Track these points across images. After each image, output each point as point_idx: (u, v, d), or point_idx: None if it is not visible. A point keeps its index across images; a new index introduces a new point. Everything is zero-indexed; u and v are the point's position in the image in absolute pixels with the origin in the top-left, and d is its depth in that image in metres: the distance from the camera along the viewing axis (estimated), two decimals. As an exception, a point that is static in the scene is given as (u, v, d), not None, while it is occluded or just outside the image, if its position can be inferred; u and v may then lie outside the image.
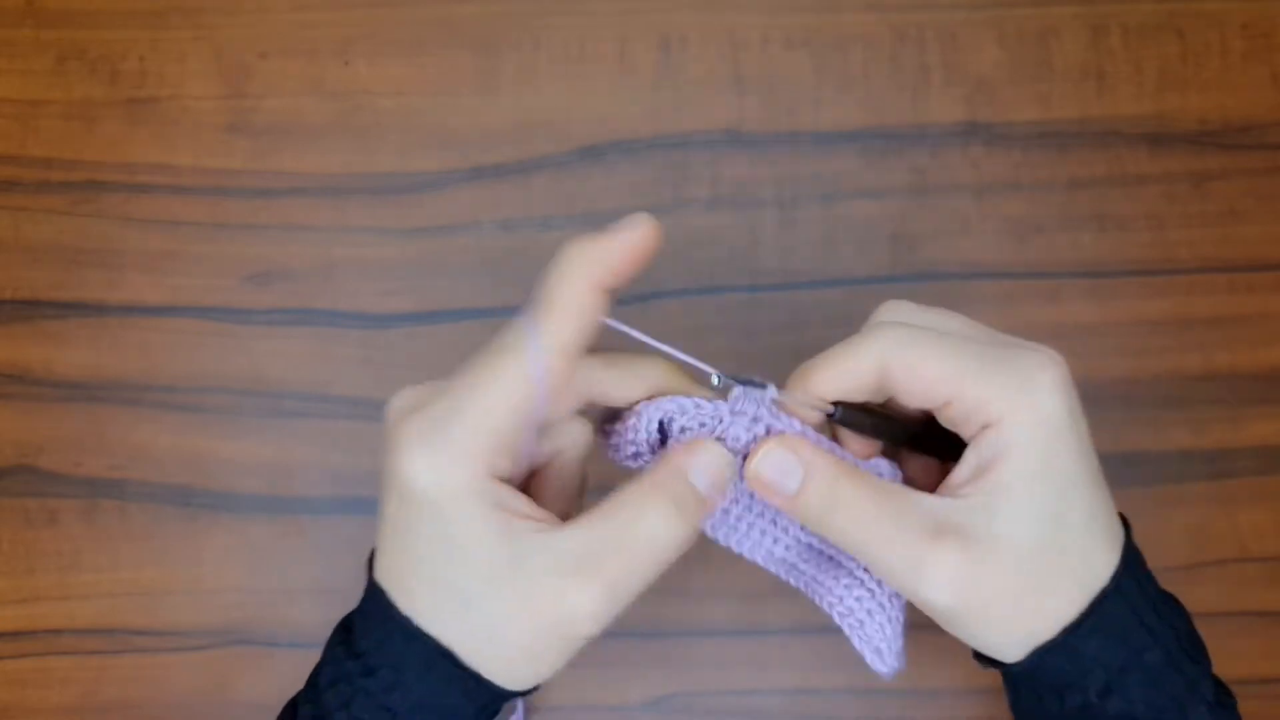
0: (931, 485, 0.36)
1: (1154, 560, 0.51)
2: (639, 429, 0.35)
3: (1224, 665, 0.48)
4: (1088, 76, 0.53)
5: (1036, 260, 0.52)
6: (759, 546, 0.37)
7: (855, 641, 0.37)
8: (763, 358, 0.52)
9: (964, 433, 0.34)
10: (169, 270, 0.53)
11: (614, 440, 0.36)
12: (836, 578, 0.37)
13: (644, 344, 0.35)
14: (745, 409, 0.34)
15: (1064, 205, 0.53)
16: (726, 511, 0.36)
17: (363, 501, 0.52)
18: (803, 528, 0.37)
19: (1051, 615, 0.33)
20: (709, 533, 0.37)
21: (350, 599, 0.51)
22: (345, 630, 0.36)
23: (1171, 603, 0.36)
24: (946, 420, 0.34)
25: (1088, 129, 0.53)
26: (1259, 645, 0.51)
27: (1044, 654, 0.33)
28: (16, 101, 0.54)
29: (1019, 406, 0.32)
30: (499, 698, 0.34)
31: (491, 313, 0.53)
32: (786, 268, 0.53)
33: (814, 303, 0.53)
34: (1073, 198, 0.53)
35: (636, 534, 0.32)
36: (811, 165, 0.53)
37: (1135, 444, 0.51)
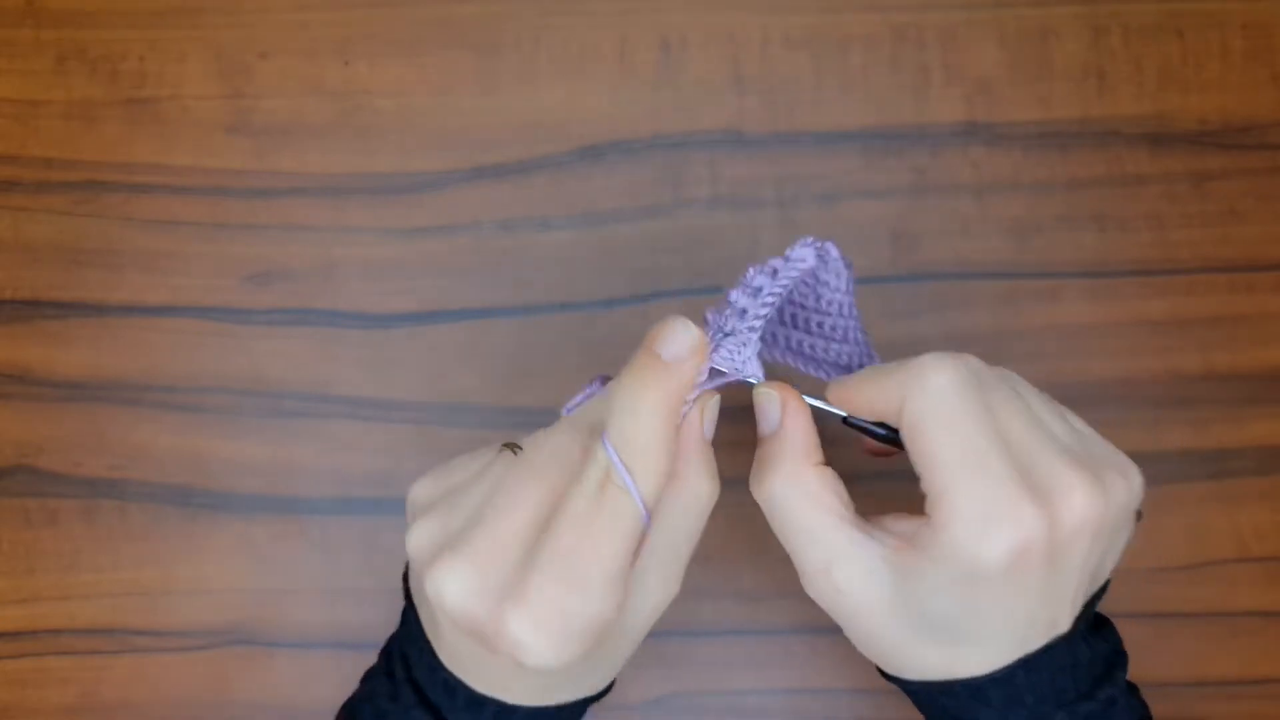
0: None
1: (1154, 560, 0.51)
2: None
3: (1224, 665, 0.48)
4: (1088, 76, 0.53)
5: (1036, 260, 0.52)
6: (754, 356, 0.37)
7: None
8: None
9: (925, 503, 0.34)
10: (169, 270, 0.53)
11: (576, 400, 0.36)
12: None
13: None
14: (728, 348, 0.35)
15: (1064, 205, 0.53)
16: (719, 345, 0.36)
17: (363, 501, 0.52)
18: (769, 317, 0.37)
19: (925, 665, 0.34)
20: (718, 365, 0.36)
21: (350, 598, 0.52)
22: (416, 690, 0.36)
23: (1098, 692, 0.35)
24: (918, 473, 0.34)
25: (1088, 129, 0.53)
26: (1259, 645, 0.51)
27: (929, 686, 0.35)
28: (16, 101, 0.54)
29: (957, 537, 0.31)
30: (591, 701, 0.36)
31: (491, 313, 0.53)
32: (786, 268, 0.53)
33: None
34: (1073, 198, 0.53)
35: (685, 507, 0.33)
36: (811, 165, 0.53)
37: (1135, 444, 0.51)
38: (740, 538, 0.51)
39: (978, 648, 0.33)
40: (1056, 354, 0.52)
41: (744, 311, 0.36)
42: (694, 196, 0.53)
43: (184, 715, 0.52)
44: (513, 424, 0.52)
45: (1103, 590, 0.36)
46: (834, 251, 0.36)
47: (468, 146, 0.53)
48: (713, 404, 0.35)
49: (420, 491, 0.35)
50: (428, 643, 0.35)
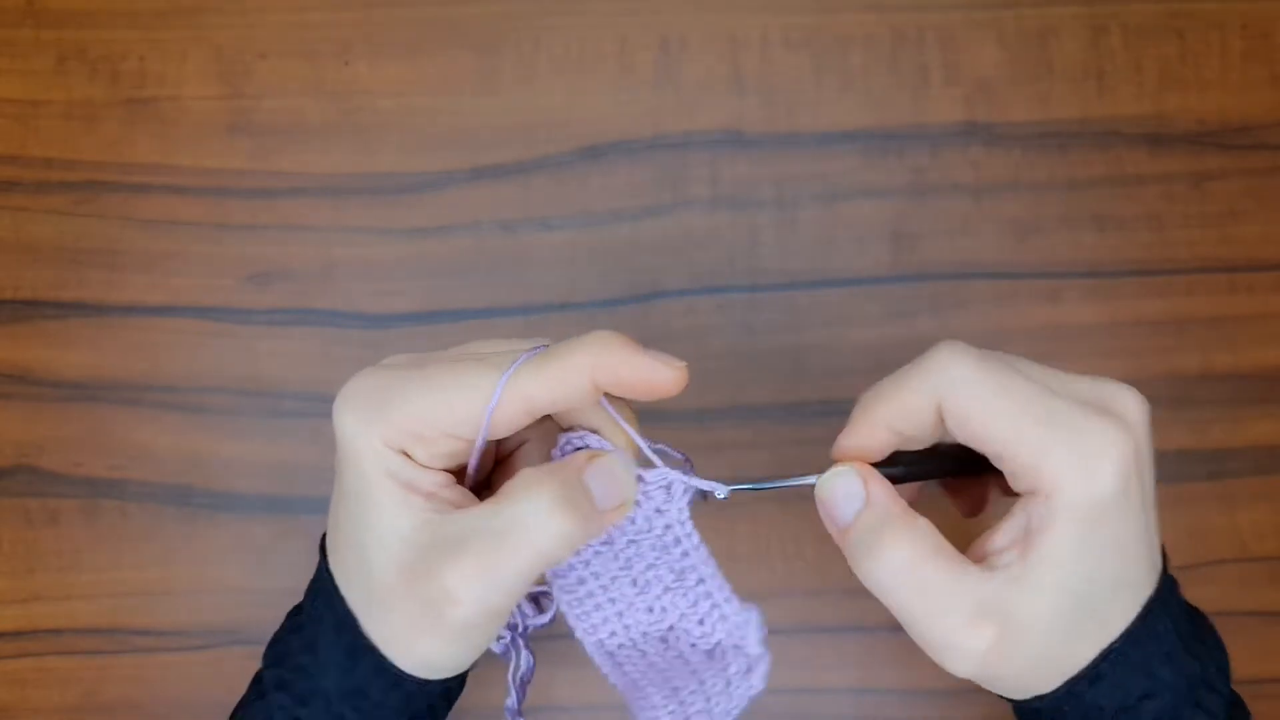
0: (971, 501, 0.36)
1: (1154, 560, 0.51)
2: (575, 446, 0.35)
3: (1224, 665, 0.48)
4: (1088, 76, 0.53)
5: (1036, 260, 0.52)
6: (593, 630, 0.37)
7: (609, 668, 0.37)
8: (763, 358, 0.52)
9: (1012, 484, 0.33)
10: (169, 270, 0.53)
11: (569, 449, 0.36)
12: (659, 693, 0.36)
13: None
14: (654, 495, 0.35)
15: (1064, 205, 0.53)
16: (582, 581, 0.36)
17: (363, 501, 0.52)
18: (643, 632, 0.36)
19: (1062, 672, 0.33)
20: (554, 593, 0.37)
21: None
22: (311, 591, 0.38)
23: (1200, 638, 0.35)
24: (995, 462, 0.34)
25: (1087, 129, 0.53)
26: (1259, 645, 0.51)
27: (1074, 684, 0.34)
28: (16, 101, 0.54)
29: (1073, 484, 0.31)
30: (400, 681, 0.34)
31: (491, 313, 0.53)
32: (786, 268, 0.53)
33: (814, 303, 0.53)
34: (1072, 198, 0.53)
35: (515, 520, 0.32)
36: (811, 165, 0.53)
37: (1135, 444, 0.51)
38: (741, 538, 0.51)
39: (1115, 606, 0.33)
40: (1056, 354, 0.52)
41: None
42: (694, 196, 0.53)
43: (184, 715, 0.52)
44: (513, 424, 0.52)
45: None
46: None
47: (468, 146, 0.53)
48: (617, 463, 0.34)
49: None
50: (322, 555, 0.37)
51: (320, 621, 0.35)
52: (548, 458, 0.36)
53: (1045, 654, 0.33)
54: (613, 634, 0.37)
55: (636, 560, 0.36)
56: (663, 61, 0.54)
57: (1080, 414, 0.32)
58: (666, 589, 0.36)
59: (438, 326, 0.53)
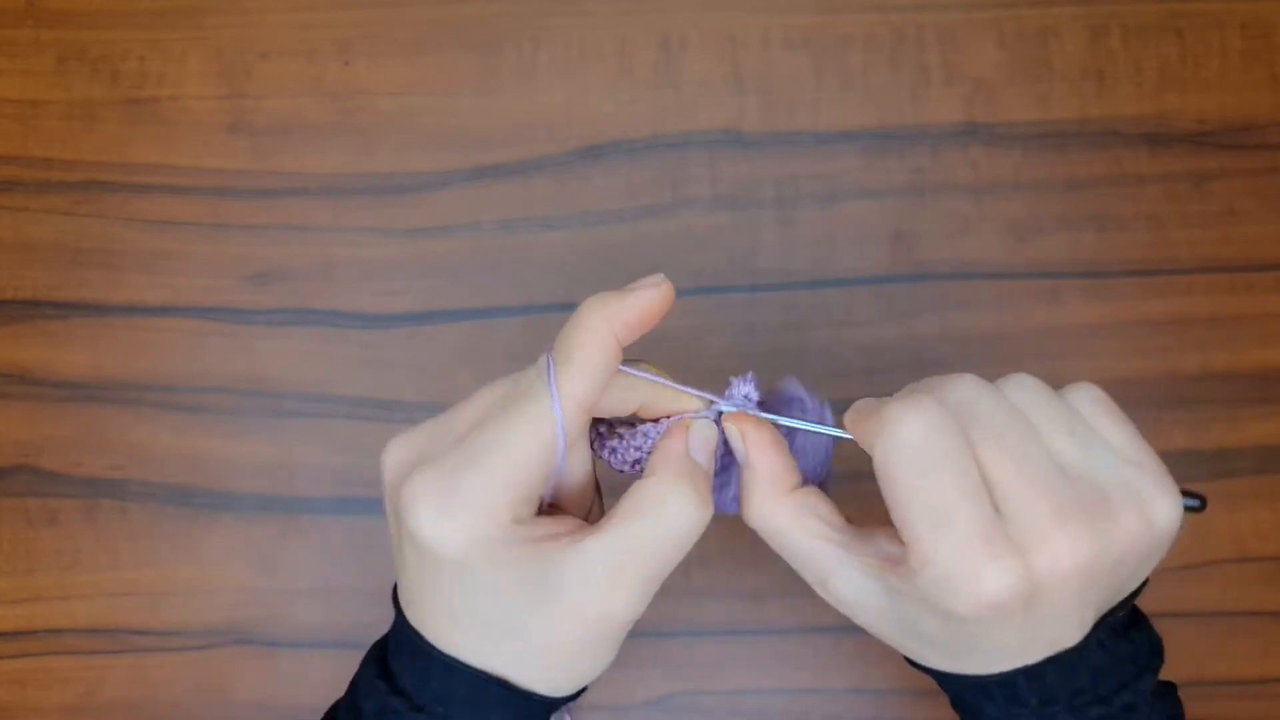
0: None
1: (1154, 560, 0.51)
2: (649, 438, 0.36)
3: (1224, 665, 0.48)
4: (1087, 76, 0.53)
5: (1036, 260, 0.52)
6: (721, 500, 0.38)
7: None
8: (763, 358, 0.52)
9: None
10: (169, 270, 0.53)
11: (612, 445, 0.36)
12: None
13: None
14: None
15: (1063, 205, 0.53)
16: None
17: (363, 501, 0.52)
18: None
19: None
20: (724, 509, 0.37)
21: (350, 598, 0.52)
22: (381, 664, 0.36)
23: (1097, 692, 0.34)
24: None
25: (1087, 129, 0.53)
26: (1259, 645, 0.51)
27: (960, 681, 0.34)
28: (17, 101, 0.54)
29: (928, 586, 0.30)
30: (550, 707, 0.35)
31: (491, 313, 0.53)
32: (786, 268, 0.53)
33: (814, 303, 0.53)
34: (1072, 198, 0.53)
35: (664, 527, 0.33)
36: (811, 165, 0.53)
37: (1135, 444, 0.51)
38: (741, 538, 0.51)
39: (976, 660, 0.33)
40: (1056, 354, 0.52)
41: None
42: (694, 196, 0.53)
43: (184, 715, 0.52)
44: (513, 424, 0.52)
45: (1134, 595, 0.35)
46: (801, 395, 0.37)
47: (468, 146, 0.53)
48: (703, 428, 0.35)
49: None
50: (400, 611, 0.36)
51: (450, 700, 0.34)
52: (587, 456, 0.36)
53: (900, 643, 0.34)
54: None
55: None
56: (663, 61, 0.54)
57: (976, 542, 0.29)
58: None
59: (438, 326, 0.53)
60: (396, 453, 0.34)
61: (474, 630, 0.33)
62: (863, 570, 0.33)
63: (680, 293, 0.53)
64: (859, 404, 0.35)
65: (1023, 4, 0.54)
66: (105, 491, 0.52)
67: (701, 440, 0.35)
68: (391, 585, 0.38)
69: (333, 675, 0.51)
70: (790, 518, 0.34)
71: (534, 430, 0.32)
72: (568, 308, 0.52)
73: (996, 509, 0.30)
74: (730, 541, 0.51)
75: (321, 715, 0.38)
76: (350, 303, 0.53)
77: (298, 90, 0.54)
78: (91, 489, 0.52)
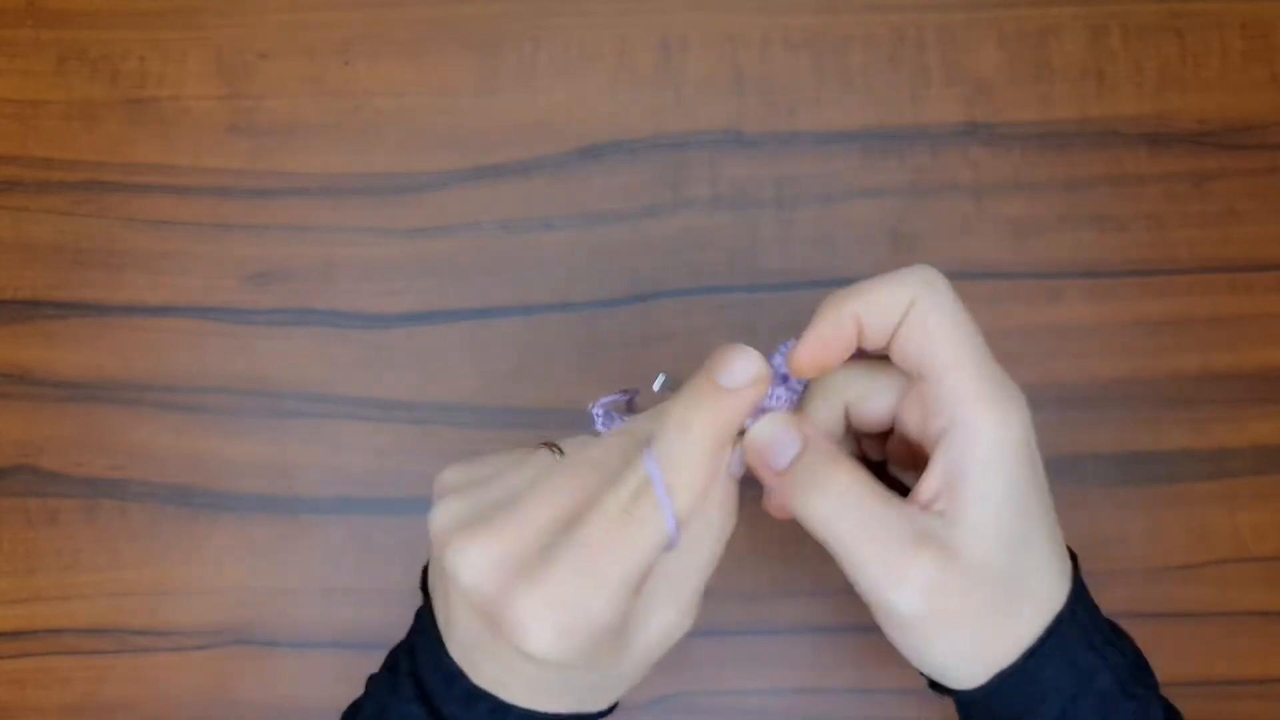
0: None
1: (1154, 560, 0.51)
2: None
3: (1224, 665, 0.48)
4: (1088, 76, 0.53)
5: (1036, 260, 0.52)
6: None
7: None
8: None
9: (928, 423, 0.34)
10: (169, 270, 0.53)
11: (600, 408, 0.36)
12: None
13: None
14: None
15: (1064, 205, 0.53)
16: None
17: (363, 502, 0.52)
18: None
19: (1010, 638, 0.33)
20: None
21: (350, 598, 0.52)
22: (417, 683, 0.35)
23: (1118, 630, 0.36)
24: (916, 400, 0.34)
25: (1087, 129, 0.53)
26: (1259, 645, 0.51)
27: (1003, 679, 0.33)
28: (17, 101, 0.54)
29: (995, 422, 0.32)
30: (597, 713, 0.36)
31: (491, 313, 0.53)
32: (786, 268, 0.53)
33: (814, 303, 0.52)
34: (1072, 198, 0.53)
35: (706, 548, 0.34)
36: (811, 165, 0.53)
37: (1135, 444, 0.51)
38: (741, 538, 0.51)
39: (1042, 575, 0.33)
40: (1056, 354, 0.52)
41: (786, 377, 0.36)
42: (694, 196, 0.53)
43: (184, 715, 0.52)
44: (513, 424, 0.52)
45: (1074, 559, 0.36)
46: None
47: (468, 146, 0.54)
48: (741, 454, 0.35)
49: (451, 474, 0.35)
50: (437, 633, 0.35)
51: None
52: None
53: (983, 606, 0.33)
54: None
55: None
56: (663, 61, 0.54)
57: (1005, 375, 0.33)
58: None
59: (438, 326, 0.53)
60: (449, 515, 0.33)
61: (532, 689, 0.34)
62: (941, 520, 0.33)
63: (680, 293, 0.53)
64: (839, 291, 0.35)
65: (1023, 4, 0.54)
66: (105, 491, 0.52)
67: (741, 457, 0.35)
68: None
69: (333, 675, 0.51)
70: (871, 481, 0.34)
71: (645, 546, 0.32)
72: (568, 308, 0.53)
73: None
74: (730, 541, 0.51)
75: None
76: (350, 303, 0.53)
77: (298, 90, 0.54)
78: (91, 489, 0.52)
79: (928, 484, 0.33)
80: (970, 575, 0.32)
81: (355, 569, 0.52)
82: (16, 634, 0.52)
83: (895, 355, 0.34)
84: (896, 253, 0.53)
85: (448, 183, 0.53)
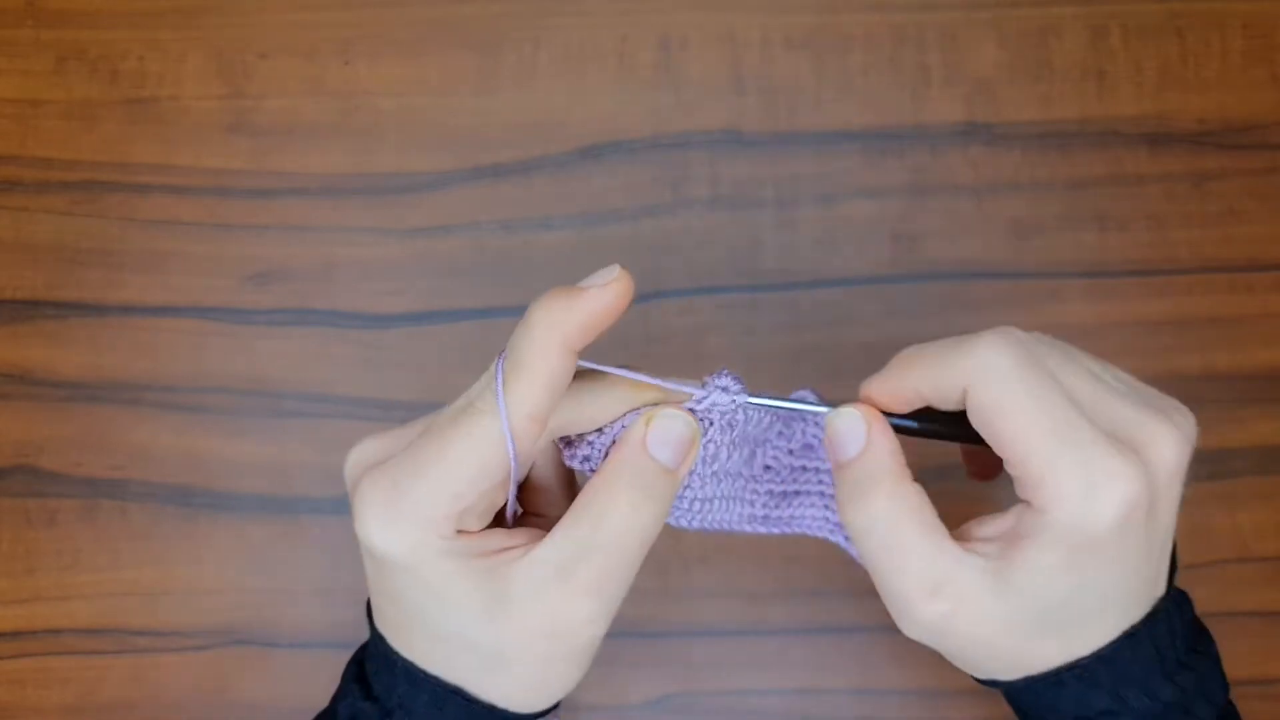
0: (982, 467, 0.37)
1: (1154, 560, 0.51)
2: (612, 436, 0.34)
3: (1225, 665, 0.48)
4: (1088, 76, 0.53)
5: (1036, 260, 0.52)
6: (732, 515, 0.37)
7: (845, 544, 0.36)
8: (763, 358, 0.52)
9: (1016, 487, 0.33)
10: (169, 270, 0.53)
11: (583, 454, 0.35)
12: (810, 504, 0.37)
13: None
14: (713, 407, 0.34)
15: (1064, 205, 0.53)
16: (680, 497, 0.35)
17: (363, 501, 0.52)
18: (768, 481, 0.37)
19: (1019, 668, 0.33)
20: (671, 522, 0.36)
21: (350, 598, 0.51)
22: (359, 666, 0.36)
23: (1190, 665, 0.34)
24: (1004, 464, 0.33)
25: (1088, 129, 0.53)
26: (1259, 645, 0.51)
27: (1034, 681, 0.34)
28: (16, 101, 0.54)
29: (1068, 512, 0.31)
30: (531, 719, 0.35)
31: (491, 313, 0.53)
32: (786, 268, 0.53)
33: (814, 303, 0.53)
34: (1073, 198, 0.53)
35: (608, 530, 0.32)
36: (811, 165, 0.53)
37: (1135, 444, 0.51)
38: (741, 538, 0.51)
39: (1091, 626, 0.33)
40: (1056, 354, 0.52)
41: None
42: (694, 196, 0.53)
43: (184, 715, 0.52)
44: (513, 424, 0.52)
45: (1175, 565, 0.36)
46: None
47: (468, 146, 0.53)
48: (668, 420, 0.33)
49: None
50: (368, 614, 0.36)
51: (413, 710, 0.34)
52: (556, 460, 0.36)
53: (994, 648, 0.33)
54: (750, 502, 0.37)
55: (715, 460, 0.36)
56: (663, 61, 0.54)
57: (1100, 444, 0.31)
58: (749, 459, 0.36)
59: (438, 326, 0.53)
60: (358, 454, 0.34)
61: (428, 638, 0.33)
62: (980, 565, 0.32)
63: (680, 293, 0.53)
64: (907, 354, 0.34)
65: (1023, 4, 0.54)
66: (105, 491, 0.52)
67: (665, 434, 0.33)
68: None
69: (332, 675, 0.51)
70: (918, 510, 0.33)
71: (475, 443, 0.31)
72: (568, 308, 0.52)
73: None
74: (730, 541, 0.51)
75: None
76: (350, 303, 0.53)
77: (298, 90, 0.54)
78: (91, 489, 0.52)
79: (992, 524, 0.33)
80: (978, 629, 0.32)
81: (355, 569, 0.52)
82: (16, 634, 0.52)
83: (978, 431, 0.33)
84: (896, 253, 0.53)
85: (448, 183, 0.53)
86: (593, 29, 0.54)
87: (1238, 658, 0.50)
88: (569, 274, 0.53)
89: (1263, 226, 0.52)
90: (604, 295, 0.32)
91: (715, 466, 0.35)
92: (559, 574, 0.32)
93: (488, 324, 0.53)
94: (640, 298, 0.53)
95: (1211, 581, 0.51)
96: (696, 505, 0.36)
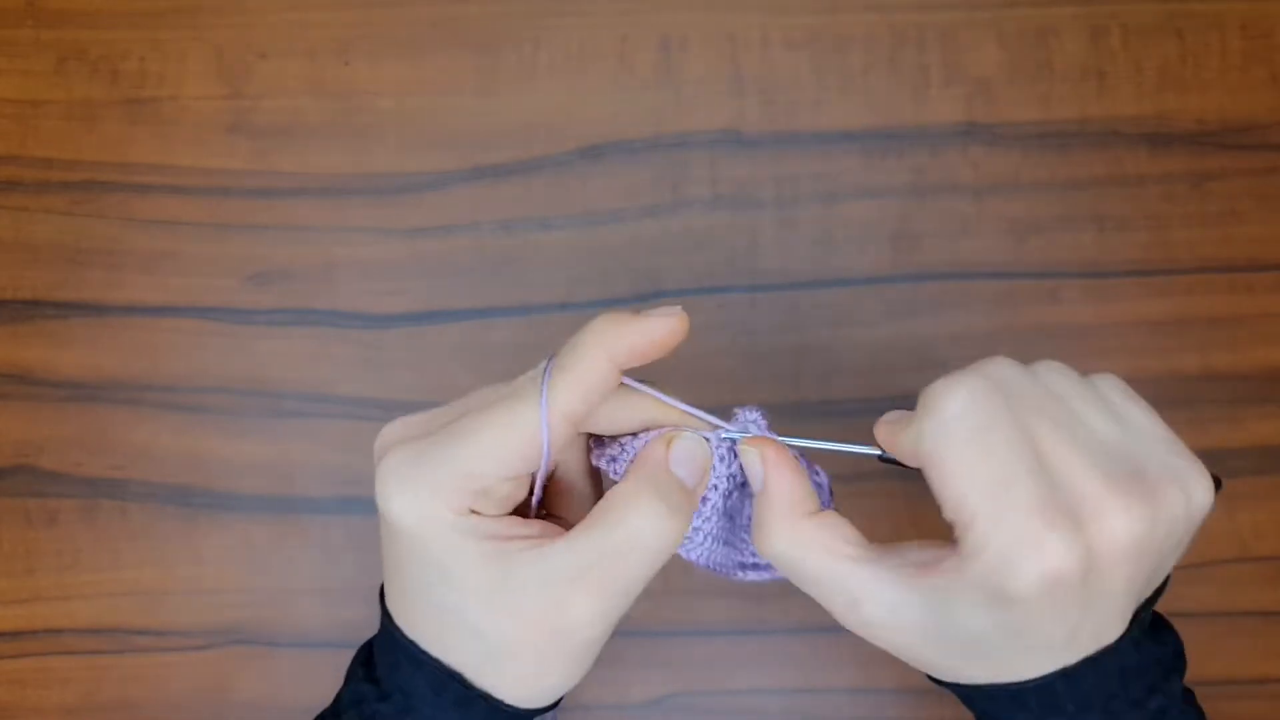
0: None
1: (1154, 560, 0.51)
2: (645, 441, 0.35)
3: (1224, 665, 0.48)
4: (1088, 76, 0.53)
5: (1036, 260, 0.53)
6: (729, 561, 0.38)
7: None
8: (763, 358, 0.52)
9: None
10: (169, 270, 0.53)
11: (610, 454, 0.35)
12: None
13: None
14: (722, 442, 0.35)
15: (1063, 205, 0.53)
16: (696, 530, 0.36)
17: (363, 501, 0.52)
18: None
19: (964, 677, 0.34)
20: (682, 554, 0.36)
21: (350, 598, 0.52)
22: (367, 651, 0.37)
23: (1150, 699, 0.34)
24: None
25: (1087, 129, 0.53)
26: (1259, 645, 0.51)
27: (972, 690, 0.34)
28: (16, 101, 0.54)
29: (986, 564, 0.29)
30: (516, 717, 0.34)
31: (491, 313, 0.53)
32: (786, 268, 0.53)
33: (814, 303, 0.53)
34: (1072, 198, 0.53)
35: (626, 538, 0.32)
36: (811, 165, 0.53)
37: (1135, 444, 0.51)
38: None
39: (1018, 661, 0.32)
40: (1056, 354, 0.52)
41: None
42: (694, 196, 0.53)
43: (184, 715, 0.52)
44: (513, 424, 0.52)
45: (1160, 591, 0.35)
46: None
47: (468, 146, 0.54)
48: (690, 442, 0.34)
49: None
50: (380, 596, 0.36)
51: (412, 693, 0.34)
52: (585, 464, 0.36)
53: (921, 660, 0.33)
54: (741, 551, 0.38)
55: (717, 490, 0.36)
56: (663, 61, 0.54)
57: (1034, 513, 0.29)
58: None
59: (438, 326, 0.53)
60: (389, 429, 0.34)
61: (429, 615, 0.33)
62: (900, 583, 0.32)
63: (680, 293, 0.53)
64: (888, 416, 0.34)
65: (1023, 4, 0.54)
66: (105, 491, 0.52)
67: (686, 454, 0.34)
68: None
69: (333, 675, 0.51)
70: (815, 541, 0.33)
71: (508, 426, 0.32)
72: (568, 308, 0.53)
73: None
74: (730, 541, 0.51)
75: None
76: (350, 303, 0.53)
77: (298, 90, 0.54)
78: (91, 489, 0.52)
79: (929, 551, 0.32)
80: (908, 638, 0.33)
81: (355, 569, 0.52)
82: (16, 634, 0.52)
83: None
84: (896, 253, 0.53)
85: (448, 183, 0.53)
86: (593, 29, 0.54)
87: (1237, 657, 0.50)
88: (569, 274, 0.53)
89: (1262, 226, 0.52)
90: (658, 324, 0.33)
91: (715, 500, 0.36)
92: (568, 571, 0.32)
93: (488, 324, 0.53)
94: (640, 298, 0.53)
95: (1211, 581, 0.51)
96: (699, 536, 0.36)
